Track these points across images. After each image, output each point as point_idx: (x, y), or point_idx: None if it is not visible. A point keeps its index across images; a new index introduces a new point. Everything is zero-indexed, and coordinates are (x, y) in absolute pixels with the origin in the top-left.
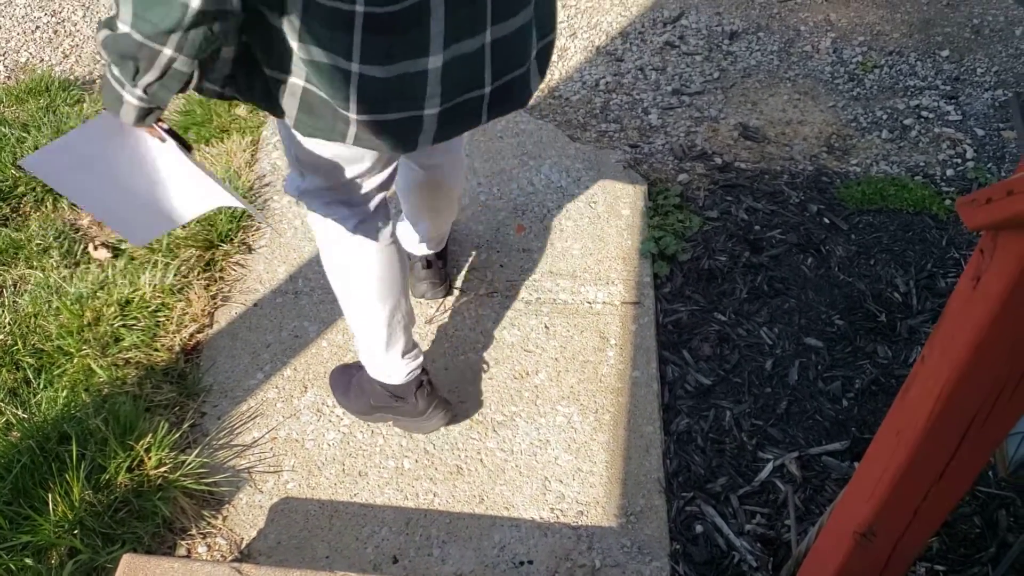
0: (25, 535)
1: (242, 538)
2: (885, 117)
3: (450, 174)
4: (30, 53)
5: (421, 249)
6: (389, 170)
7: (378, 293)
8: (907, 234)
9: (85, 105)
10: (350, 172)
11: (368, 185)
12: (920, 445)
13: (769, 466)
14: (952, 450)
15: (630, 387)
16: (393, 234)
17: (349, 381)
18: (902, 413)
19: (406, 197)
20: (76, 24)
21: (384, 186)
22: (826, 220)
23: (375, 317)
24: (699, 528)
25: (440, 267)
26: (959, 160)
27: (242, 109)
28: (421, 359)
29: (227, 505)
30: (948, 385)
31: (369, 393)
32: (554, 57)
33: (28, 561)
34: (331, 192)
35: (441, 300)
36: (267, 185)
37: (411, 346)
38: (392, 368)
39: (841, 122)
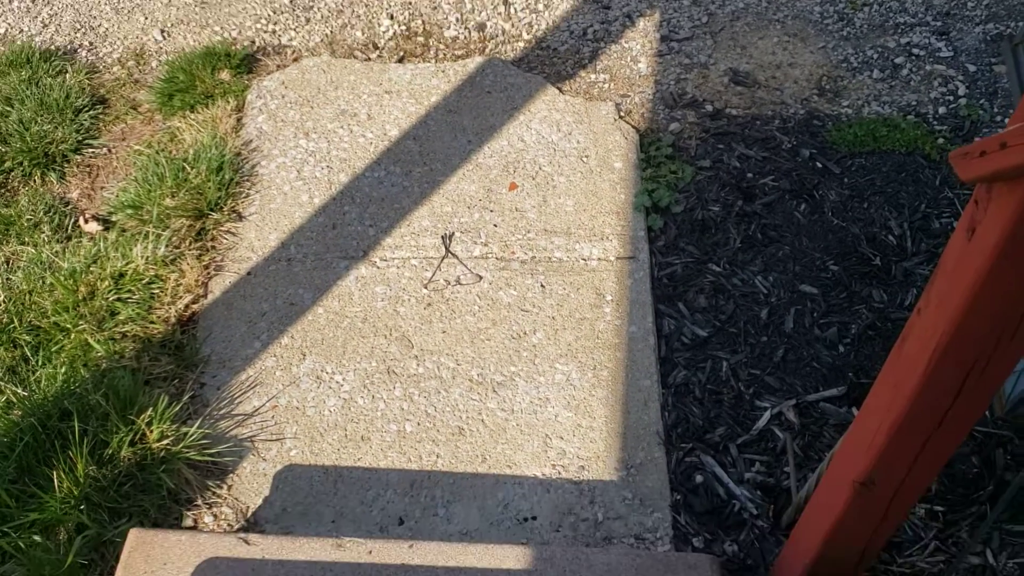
0: (33, 513)
1: (248, 506)
2: (876, 56)
3: None
4: (8, 24)
5: None
6: None
7: None
8: (900, 175)
9: (68, 76)
10: None
11: None
12: (918, 396)
13: (767, 414)
14: (951, 400)
15: (627, 342)
16: None
17: None
18: (899, 365)
19: None
20: None
21: None
22: (818, 164)
23: None
24: (699, 478)
25: None
26: (951, 97)
27: (226, 73)
28: None
29: (231, 475)
30: (945, 337)
31: None
32: (540, 7)
33: (37, 538)
34: None
35: (437, 265)
36: (255, 150)
37: None
38: None
39: (832, 63)
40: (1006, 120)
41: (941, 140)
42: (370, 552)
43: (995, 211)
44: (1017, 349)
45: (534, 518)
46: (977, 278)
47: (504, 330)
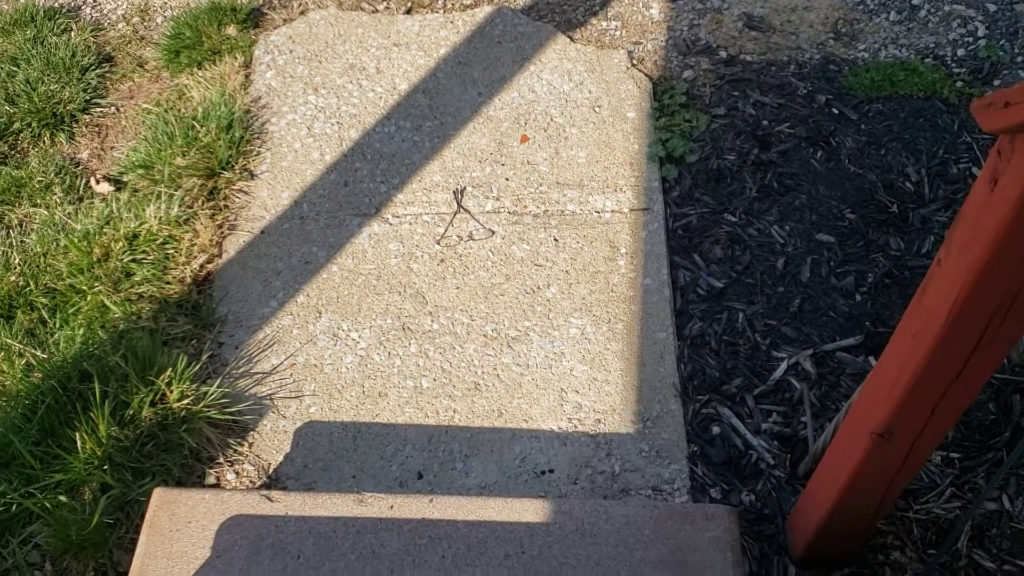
0: (57, 473)
1: (269, 463)
2: None
3: None
4: None
5: None
6: None
7: None
8: (918, 120)
9: (73, 34)
10: None
11: None
12: (938, 347)
13: (784, 365)
14: (970, 350)
15: (642, 295)
16: None
17: None
18: (918, 315)
19: None
20: None
21: None
22: (835, 110)
23: None
24: (716, 429)
25: None
26: (970, 39)
27: (232, 28)
28: None
29: (252, 432)
30: (966, 288)
31: None
32: None
33: (62, 498)
34: None
35: (449, 220)
36: (264, 107)
37: None
38: None
39: (848, 6)
40: None
41: (960, 83)
42: (391, 507)
43: (1019, 162)
44: None
45: (551, 471)
46: (999, 229)
47: (518, 285)
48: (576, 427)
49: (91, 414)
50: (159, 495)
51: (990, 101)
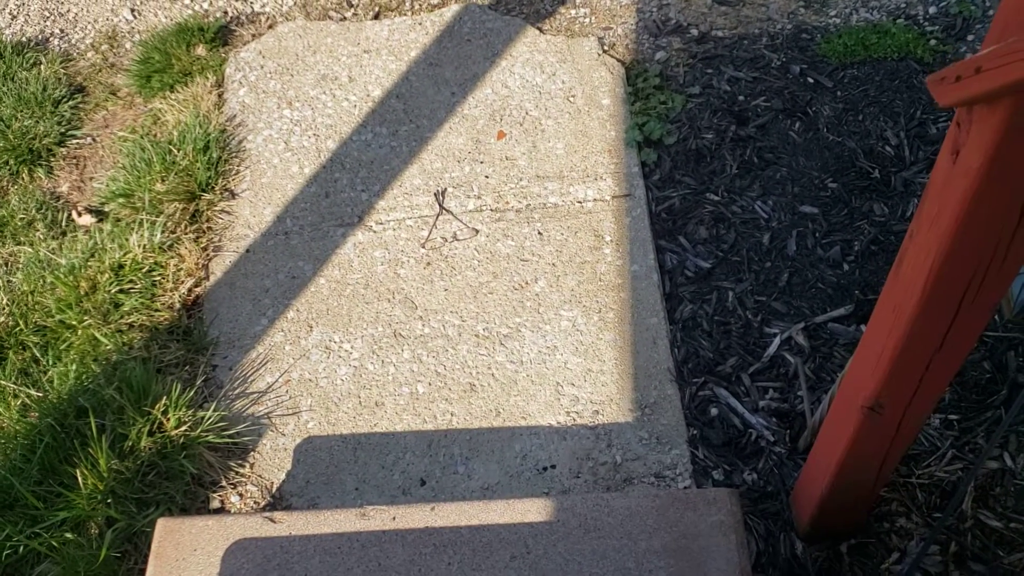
0: (61, 511)
1: (272, 482)
2: None
3: None
4: None
5: None
6: None
7: None
8: (894, 83)
9: (43, 67)
10: None
11: None
12: (917, 319)
13: (776, 340)
14: (949, 320)
15: (630, 282)
16: None
17: None
18: (896, 289)
19: None
20: None
21: None
22: (810, 80)
23: None
24: (714, 411)
25: None
26: None
27: (201, 48)
28: None
29: (252, 453)
30: (938, 259)
31: None
32: None
33: (69, 536)
34: None
35: (432, 223)
36: (239, 125)
37: None
38: None
39: None
40: None
41: (933, 41)
42: (394, 518)
43: (977, 133)
44: (1011, 265)
45: (553, 467)
46: (964, 199)
47: (505, 282)
48: (575, 420)
49: (90, 449)
50: (163, 525)
51: (943, 75)
